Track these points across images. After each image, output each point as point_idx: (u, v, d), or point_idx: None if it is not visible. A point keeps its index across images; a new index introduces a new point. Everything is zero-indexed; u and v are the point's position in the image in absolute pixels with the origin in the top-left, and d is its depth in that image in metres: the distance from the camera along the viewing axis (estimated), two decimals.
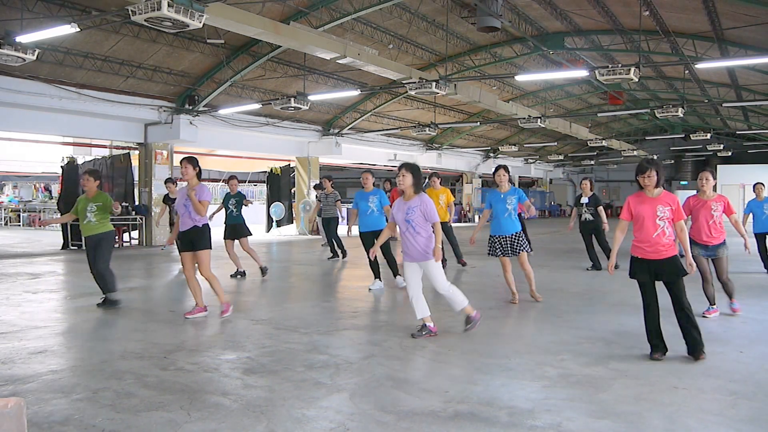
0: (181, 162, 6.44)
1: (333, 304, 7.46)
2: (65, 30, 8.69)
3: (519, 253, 7.09)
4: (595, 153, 33.52)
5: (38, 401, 3.78)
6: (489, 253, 7.26)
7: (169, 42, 12.91)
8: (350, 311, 6.85)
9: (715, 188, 6.55)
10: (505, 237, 7.09)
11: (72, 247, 14.12)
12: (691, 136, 22.71)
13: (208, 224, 6.43)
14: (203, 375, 4.35)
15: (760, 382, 4.25)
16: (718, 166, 32.45)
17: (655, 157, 28.57)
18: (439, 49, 15.83)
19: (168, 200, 11.15)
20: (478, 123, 21.89)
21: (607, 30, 14.41)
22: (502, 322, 6.28)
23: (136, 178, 16.21)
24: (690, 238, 6.05)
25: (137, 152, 16.04)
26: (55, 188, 25.67)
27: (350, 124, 20.54)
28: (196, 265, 6.36)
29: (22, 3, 9.58)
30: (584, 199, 10.81)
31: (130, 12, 7.32)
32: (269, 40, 10.85)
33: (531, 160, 35.16)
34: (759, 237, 10.41)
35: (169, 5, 7.03)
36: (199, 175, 6.41)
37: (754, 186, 10.47)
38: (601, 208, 10.55)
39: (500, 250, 7.13)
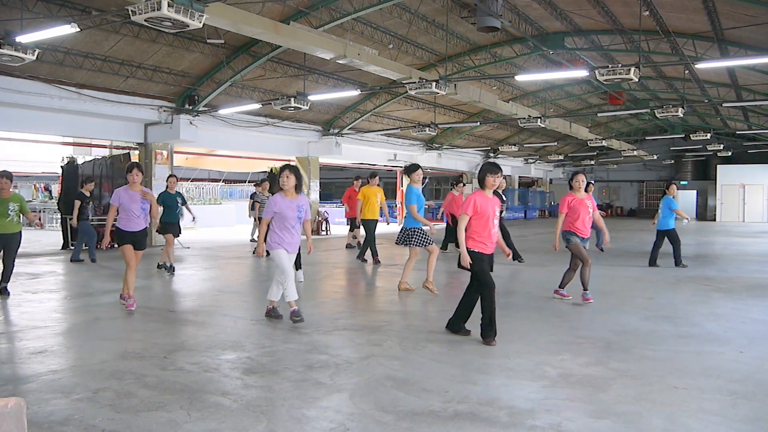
0: (132, 169, 6.82)
1: (332, 303, 7.46)
2: (65, 30, 8.68)
3: (425, 246, 7.77)
4: (595, 153, 33.46)
5: (38, 401, 3.78)
6: (398, 242, 7.88)
7: (169, 42, 12.91)
8: (350, 311, 6.86)
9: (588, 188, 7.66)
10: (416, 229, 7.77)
11: (72, 247, 14.10)
12: (691, 136, 22.66)
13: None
14: (203, 375, 4.35)
15: (759, 382, 4.25)
16: (718, 166, 32.43)
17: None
18: (439, 49, 15.82)
19: (83, 198, 11.43)
20: (478, 123, 21.87)
21: (607, 30, 14.40)
22: (501, 322, 6.28)
23: None
24: (572, 230, 7.34)
25: (137, 152, 16.03)
26: (55, 188, 25.64)
27: (350, 124, 20.53)
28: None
29: (22, 3, 9.57)
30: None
31: (130, 12, 7.31)
32: (269, 40, 10.85)
33: (531, 160, 35.14)
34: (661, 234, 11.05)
35: (169, 5, 7.03)
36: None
37: (668, 185, 11.35)
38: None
39: (415, 241, 7.74)
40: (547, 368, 4.53)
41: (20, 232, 7.86)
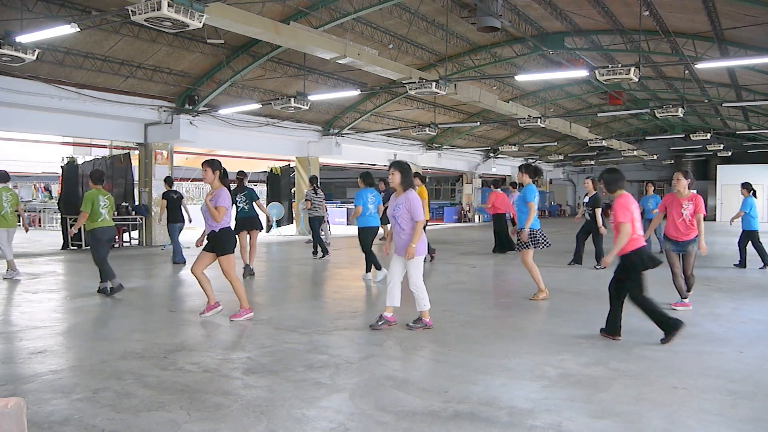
0: (201, 165, 6.34)
1: (332, 303, 7.46)
2: (65, 30, 8.68)
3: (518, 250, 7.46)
4: (595, 153, 33.48)
5: (38, 401, 3.78)
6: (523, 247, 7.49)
7: (169, 42, 12.91)
8: (350, 311, 6.85)
9: (691, 186, 6.88)
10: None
11: (72, 247, 14.11)
12: (691, 136, 22.67)
13: (227, 228, 6.19)
14: (203, 375, 4.35)
15: (760, 382, 4.25)
16: (718, 166, 32.45)
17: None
18: (439, 49, 15.82)
19: (167, 196, 11.32)
20: (478, 123, 21.88)
21: (607, 30, 14.40)
22: (502, 322, 6.29)
23: (136, 178, 16.21)
24: (664, 233, 6.88)
25: (137, 152, 16.04)
26: (55, 188, 25.64)
27: (350, 124, 20.54)
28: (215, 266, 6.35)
29: (22, 3, 9.57)
30: (585, 199, 10.88)
31: (130, 12, 7.31)
32: (269, 40, 10.85)
33: (531, 160, 35.17)
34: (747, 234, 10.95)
35: (169, 5, 7.03)
36: (222, 177, 6.21)
37: (744, 184, 11.16)
38: (598, 210, 10.60)
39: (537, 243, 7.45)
40: (547, 368, 4.53)
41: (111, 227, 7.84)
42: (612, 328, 5.42)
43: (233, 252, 6.23)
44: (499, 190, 14.02)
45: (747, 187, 11.02)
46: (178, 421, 3.46)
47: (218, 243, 6.15)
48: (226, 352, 4.98)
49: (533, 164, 7.70)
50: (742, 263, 10.90)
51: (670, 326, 5.17)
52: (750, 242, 10.83)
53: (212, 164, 6.20)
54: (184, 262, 11.09)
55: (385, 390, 4.03)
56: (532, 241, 7.30)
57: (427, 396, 3.89)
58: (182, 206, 11.26)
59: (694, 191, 6.87)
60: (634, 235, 5.21)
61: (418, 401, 3.80)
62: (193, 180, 26.47)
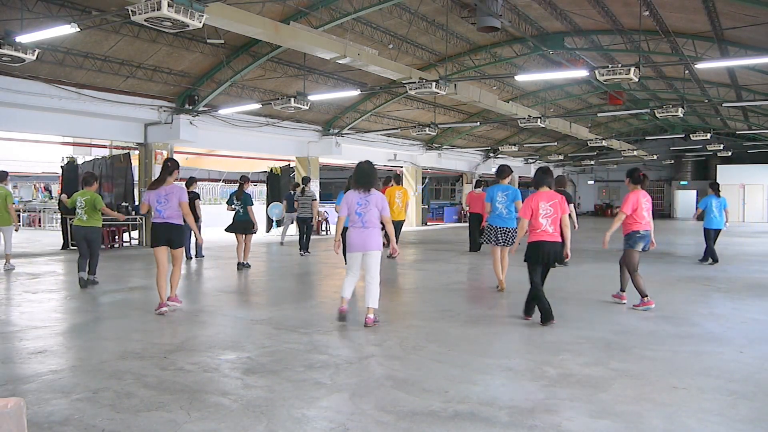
0: None
1: (332, 303, 7.44)
2: (65, 30, 8.67)
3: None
4: (595, 153, 33.46)
5: (38, 401, 3.78)
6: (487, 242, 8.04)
7: (169, 42, 12.90)
8: (350, 311, 6.84)
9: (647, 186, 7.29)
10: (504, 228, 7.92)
11: (72, 247, 14.11)
12: (691, 136, 22.65)
13: (154, 224, 6.64)
14: (203, 375, 4.35)
15: (760, 382, 4.25)
16: (718, 166, 32.45)
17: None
18: (439, 49, 15.81)
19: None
20: (478, 123, 21.86)
21: (607, 30, 14.39)
22: (502, 322, 6.29)
23: (136, 178, 16.21)
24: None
25: (137, 152, 16.04)
26: (55, 188, 25.67)
27: (350, 124, 20.53)
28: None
29: (22, 3, 9.57)
30: None
31: (130, 12, 7.31)
32: (269, 40, 10.84)
33: (531, 160, 35.14)
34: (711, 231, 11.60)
35: (169, 5, 7.02)
36: (170, 174, 6.61)
37: (710, 184, 11.86)
38: (571, 206, 10.79)
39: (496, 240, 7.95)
40: (547, 368, 4.53)
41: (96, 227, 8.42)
42: (539, 313, 6.01)
43: (153, 247, 6.61)
44: (476, 190, 14.24)
45: (712, 186, 11.68)
46: (178, 421, 3.46)
47: None
48: (226, 352, 4.98)
49: (500, 166, 8.28)
50: (714, 260, 11.41)
51: (545, 316, 5.97)
52: (706, 237, 11.53)
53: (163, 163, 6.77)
54: (189, 258, 11.91)
55: (385, 390, 4.03)
56: (487, 236, 7.90)
57: (427, 396, 3.90)
58: (195, 206, 11.43)
59: (635, 189, 7.02)
60: (537, 230, 5.97)
61: (418, 401, 3.80)
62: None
